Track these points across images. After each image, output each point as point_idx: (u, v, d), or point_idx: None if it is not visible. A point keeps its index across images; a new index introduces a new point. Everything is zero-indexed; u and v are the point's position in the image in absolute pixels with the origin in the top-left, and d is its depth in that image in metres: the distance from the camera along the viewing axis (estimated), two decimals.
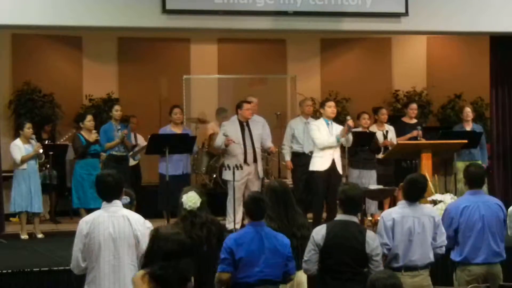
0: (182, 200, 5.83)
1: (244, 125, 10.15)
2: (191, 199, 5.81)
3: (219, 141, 10.12)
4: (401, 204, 6.14)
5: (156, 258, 3.98)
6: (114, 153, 10.59)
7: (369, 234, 5.61)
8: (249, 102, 10.25)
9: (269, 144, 10.36)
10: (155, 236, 4.07)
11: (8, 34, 12.32)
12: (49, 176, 11.23)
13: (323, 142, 9.58)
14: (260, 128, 10.31)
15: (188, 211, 5.82)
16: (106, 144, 10.46)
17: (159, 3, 9.95)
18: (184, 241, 4.00)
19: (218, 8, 10.09)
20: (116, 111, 10.72)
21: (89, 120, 10.35)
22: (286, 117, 13.18)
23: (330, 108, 9.82)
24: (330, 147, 9.57)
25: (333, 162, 9.60)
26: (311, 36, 13.69)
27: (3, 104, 12.49)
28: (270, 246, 5.46)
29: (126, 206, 5.65)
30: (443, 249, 6.14)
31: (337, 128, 9.76)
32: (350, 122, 9.63)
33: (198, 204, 5.82)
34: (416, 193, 6.11)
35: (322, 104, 10.04)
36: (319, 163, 9.63)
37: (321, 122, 9.78)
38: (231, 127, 10.13)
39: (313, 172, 9.71)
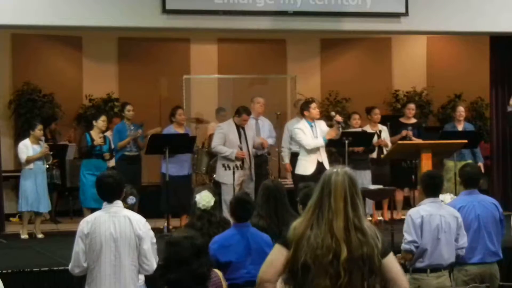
0: (196, 199, 5.86)
1: (240, 128, 10.14)
2: (205, 198, 5.83)
3: (224, 149, 10.03)
4: (427, 202, 6.15)
5: (171, 265, 4.01)
6: (126, 153, 10.57)
7: None
8: (249, 114, 10.20)
9: (257, 140, 10.34)
10: (168, 243, 4.11)
11: (8, 34, 12.32)
12: (55, 176, 11.23)
13: (309, 143, 9.64)
14: (252, 130, 10.31)
15: (202, 210, 5.84)
16: (118, 144, 10.47)
17: (159, 3, 9.95)
18: (195, 243, 4.03)
19: (218, 8, 10.10)
20: (128, 111, 10.71)
21: (103, 120, 10.33)
22: (286, 117, 13.17)
23: (315, 110, 9.84)
24: (317, 148, 9.62)
25: (321, 164, 9.63)
26: (311, 36, 13.70)
27: (3, 104, 12.48)
28: (256, 247, 5.47)
29: (132, 205, 5.70)
30: (464, 251, 6.15)
31: (322, 127, 9.78)
32: (337, 118, 9.68)
33: (212, 203, 5.85)
34: (436, 187, 6.13)
35: (306, 106, 9.95)
36: (304, 167, 9.68)
37: (303, 124, 9.78)
38: (229, 130, 10.10)
39: (298, 175, 9.74)
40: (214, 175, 11.42)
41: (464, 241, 6.12)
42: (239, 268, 5.39)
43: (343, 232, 3.62)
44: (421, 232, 5.99)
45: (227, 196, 9.88)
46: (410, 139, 10.70)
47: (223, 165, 9.95)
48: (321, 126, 9.86)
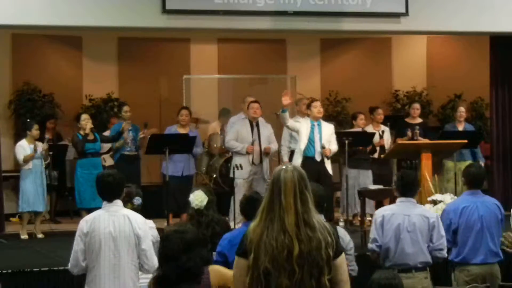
0: (189, 199, 5.87)
1: (253, 125, 10.17)
2: (197, 197, 5.84)
3: (236, 144, 10.07)
4: (398, 201, 6.14)
5: (162, 259, 3.98)
6: (126, 153, 10.65)
7: (340, 230, 5.65)
8: (255, 102, 10.26)
9: (274, 147, 10.35)
10: (160, 238, 4.08)
11: (8, 34, 12.32)
12: (49, 177, 11.22)
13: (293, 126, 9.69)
14: (268, 130, 10.33)
15: (195, 209, 5.84)
16: (115, 145, 10.56)
17: (159, 3, 9.95)
18: (184, 238, 3.98)
19: (218, 8, 10.09)
20: (125, 112, 10.79)
21: (83, 119, 10.39)
22: None
23: (316, 108, 9.82)
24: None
25: (322, 162, 9.62)
26: (311, 36, 13.69)
27: (3, 104, 12.48)
28: None
29: (139, 206, 5.69)
30: (443, 252, 6.08)
31: (326, 129, 9.75)
32: (325, 151, 9.65)
33: (205, 203, 5.84)
34: (408, 187, 6.09)
35: (309, 105, 9.98)
36: (294, 158, 9.67)
37: (305, 120, 9.77)
38: (242, 126, 10.15)
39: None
40: (215, 175, 11.44)
41: (440, 242, 6.02)
42: None
43: (294, 228, 3.61)
44: (383, 231, 5.98)
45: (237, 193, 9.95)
46: (417, 139, 10.68)
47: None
48: (326, 129, 9.82)
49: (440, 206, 7.80)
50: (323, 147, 9.68)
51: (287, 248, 3.59)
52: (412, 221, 5.96)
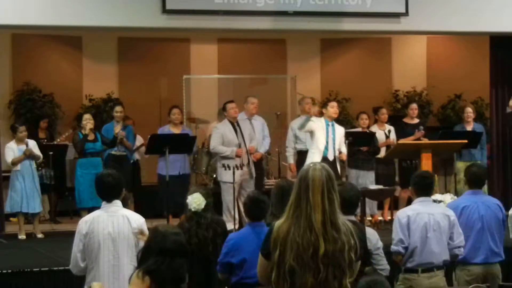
0: (187, 200, 5.86)
1: (235, 125, 10.14)
2: (195, 200, 5.83)
3: (224, 149, 10.03)
4: (417, 201, 6.14)
5: (151, 254, 3.94)
6: (113, 152, 10.60)
7: (369, 230, 5.62)
8: (231, 102, 10.24)
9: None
10: (153, 233, 4.05)
11: (8, 34, 12.33)
12: (45, 176, 11.20)
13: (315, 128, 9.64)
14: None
15: (193, 212, 5.84)
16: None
17: (159, 3, 9.94)
18: (181, 241, 3.97)
19: (218, 8, 10.08)
20: (116, 112, 10.75)
21: (84, 119, 10.38)
22: (286, 117, 13.17)
23: (333, 108, 9.83)
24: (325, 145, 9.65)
25: (334, 162, 9.63)
26: (311, 36, 13.70)
27: (3, 104, 12.50)
28: None
29: None
30: (461, 250, 6.11)
31: (339, 131, 9.77)
32: (342, 156, 9.73)
33: (203, 206, 5.84)
34: (427, 187, 6.11)
35: (325, 104, 10.02)
36: (311, 158, 9.57)
37: (321, 120, 9.77)
38: (226, 130, 10.11)
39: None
40: (215, 175, 11.44)
41: (460, 239, 6.06)
42: (252, 268, 5.38)
43: (321, 226, 3.62)
44: (409, 232, 5.97)
45: (227, 196, 9.89)
46: (423, 139, 10.67)
47: (223, 165, 9.96)
48: (339, 131, 9.86)
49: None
50: (340, 152, 9.71)
51: (313, 246, 3.60)
52: (436, 219, 5.98)
